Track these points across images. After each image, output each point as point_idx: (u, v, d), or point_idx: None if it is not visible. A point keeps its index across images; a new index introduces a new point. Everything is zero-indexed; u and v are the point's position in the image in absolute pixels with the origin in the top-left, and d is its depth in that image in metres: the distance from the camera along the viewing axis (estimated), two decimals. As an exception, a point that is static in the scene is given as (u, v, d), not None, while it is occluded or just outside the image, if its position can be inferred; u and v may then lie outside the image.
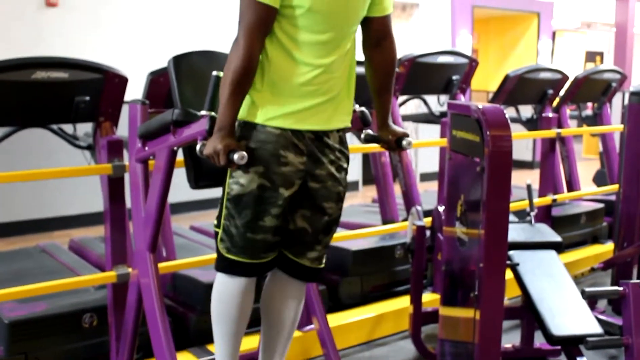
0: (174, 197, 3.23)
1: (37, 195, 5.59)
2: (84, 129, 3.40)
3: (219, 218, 2.21)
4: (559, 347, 3.16)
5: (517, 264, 3.06)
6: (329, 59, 2.15)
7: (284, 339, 2.39)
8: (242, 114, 2.13)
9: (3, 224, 5.51)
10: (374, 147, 3.36)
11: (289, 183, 2.13)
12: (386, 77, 2.35)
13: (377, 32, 2.28)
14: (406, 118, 5.11)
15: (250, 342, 3.06)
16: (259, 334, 2.81)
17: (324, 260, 2.34)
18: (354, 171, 7.42)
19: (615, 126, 5.27)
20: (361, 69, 2.38)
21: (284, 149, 2.11)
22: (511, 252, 3.11)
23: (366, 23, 2.27)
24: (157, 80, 3.25)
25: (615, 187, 4.53)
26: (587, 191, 5.29)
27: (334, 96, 2.19)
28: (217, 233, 2.23)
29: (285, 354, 2.42)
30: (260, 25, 2.04)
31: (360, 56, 2.35)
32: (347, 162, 2.30)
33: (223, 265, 2.22)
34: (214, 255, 3.18)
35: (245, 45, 2.02)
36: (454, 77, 4.51)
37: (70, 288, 2.85)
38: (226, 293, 2.23)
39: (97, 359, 2.93)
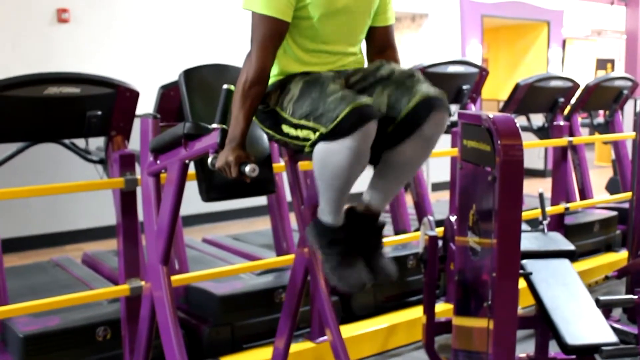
0: (186, 209, 3.24)
1: (50, 209, 5.62)
2: (96, 143, 3.42)
3: (305, 133, 2.04)
4: (573, 357, 3.13)
5: (531, 273, 3.04)
6: (337, 67, 2.20)
7: (411, 174, 2.28)
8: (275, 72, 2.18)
9: (17, 238, 5.53)
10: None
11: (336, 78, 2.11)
12: None
13: (380, 42, 2.34)
14: (417, 128, 5.10)
15: (264, 354, 3.06)
16: (271, 345, 2.82)
17: (431, 89, 2.13)
18: (365, 183, 7.40)
19: (627, 134, 5.25)
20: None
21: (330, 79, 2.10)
22: (524, 261, 3.10)
23: (370, 33, 2.32)
24: (168, 94, 3.27)
25: (628, 194, 4.51)
26: (600, 199, 5.26)
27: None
28: (296, 138, 2.10)
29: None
30: (272, 39, 2.07)
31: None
32: None
33: (333, 133, 1.95)
34: (227, 268, 3.22)
35: (258, 58, 2.05)
36: (465, 87, 4.51)
37: (83, 302, 2.86)
38: (341, 155, 1.97)
39: (111, 372, 2.95)
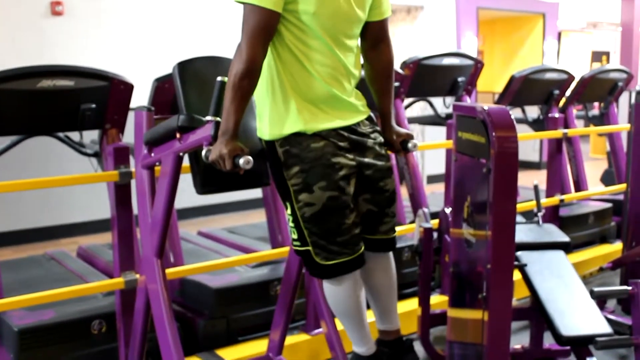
0: (181, 202, 3.24)
1: (44, 203, 5.61)
2: (91, 136, 3.41)
3: (301, 239, 2.26)
4: (568, 348, 3.14)
5: (525, 265, 3.05)
6: (336, 60, 2.20)
7: (395, 298, 2.53)
8: (275, 131, 2.21)
9: (11, 232, 5.53)
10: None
11: (348, 182, 2.22)
12: (384, 79, 2.41)
13: (374, 35, 2.34)
14: (412, 120, 5.11)
15: (260, 347, 3.07)
16: (267, 338, 2.82)
17: (395, 228, 2.44)
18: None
19: (622, 125, 5.25)
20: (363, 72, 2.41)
21: (334, 156, 2.19)
22: (519, 253, 3.10)
23: (364, 26, 2.31)
24: (162, 87, 3.26)
25: (623, 186, 4.52)
26: (595, 191, 5.27)
27: (348, 91, 2.28)
28: (306, 252, 2.28)
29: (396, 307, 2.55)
30: (263, 30, 2.06)
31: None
32: (381, 135, 2.42)
33: (328, 272, 2.28)
34: (222, 260, 3.22)
35: (248, 49, 2.04)
36: (460, 79, 4.51)
37: (78, 295, 2.86)
38: (341, 295, 2.32)
39: (106, 365, 2.95)
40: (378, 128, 2.42)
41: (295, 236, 2.27)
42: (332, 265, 2.24)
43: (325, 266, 2.25)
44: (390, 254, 2.49)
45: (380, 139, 2.40)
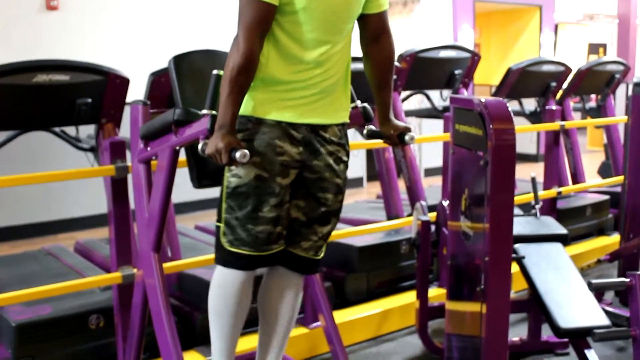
0: (178, 197, 3.23)
1: (41, 198, 5.60)
2: (87, 131, 3.40)
3: (219, 213, 2.21)
4: (566, 340, 3.15)
5: (523, 257, 3.05)
6: (322, 55, 2.16)
7: (281, 335, 2.40)
8: (244, 109, 2.15)
9: (7, 227, 5.52)
10: (378, 143, 3.36)
11: (285, 172, 2.14)
12: (385, 72, 2.37)
13: (374, 29, 2.31)
14: (409, 113, 5.10)
15: (248, 342, 3.07)
16: (257, 333, 2.82)
17: (320, 253, 2.34)
18: (358, 167, 7.41)
19: (619, 117, 5.25)
20: (361, 65, 2.39)
21: (280, 139, 2.13)
22: (517, 245, 3.10)
23: (363, 20, 2.29)
24: (158, 81, 3.25)
25: (620, 178, 4.52)
26: (592, 183, 5.27)
27: (328, 92, 2.20)
28: (218, 228, 2.22)
29: (283, 352, 2.43)
30: (260, 23, 2.04)
31: (359, 52, 2.37)
32: (347, 155, 2.31)
33: (225, 259, 2.21)
34: (218, 254, 3.21)
35: (245, 43, 2.03)
36: (457, 72, 4.50)
37: (76, 290, 2.85)
38: (226, 287, 2.22)
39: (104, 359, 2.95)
40: (347, 147, 2.30)
41: (217, 209, 2.21)
42: (233, 252, 2.16)
43: (226, 251, 2.18)
44: (301, 280, 2.38)
45: (344, 157, 2.28)
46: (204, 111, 2.09)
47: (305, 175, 2.21)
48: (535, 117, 5.14)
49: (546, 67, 4.88)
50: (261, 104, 2.13)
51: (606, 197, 5.12)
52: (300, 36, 2.12)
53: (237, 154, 1.98)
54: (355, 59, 2.36)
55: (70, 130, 3.34)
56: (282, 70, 2.13)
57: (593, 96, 5.81)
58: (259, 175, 2.12)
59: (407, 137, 2.44)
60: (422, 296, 3.18)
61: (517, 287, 3.87)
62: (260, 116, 2.13)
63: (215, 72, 2.09)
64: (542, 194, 4.29)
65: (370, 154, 6.83)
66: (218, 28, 6.26)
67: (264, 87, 2.14)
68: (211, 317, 2.29)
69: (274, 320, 2.38)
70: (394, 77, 4.08)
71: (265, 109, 2.13)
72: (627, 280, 2.79)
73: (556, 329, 2.81)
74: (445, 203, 3.13)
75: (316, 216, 2.26)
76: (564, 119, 4.88)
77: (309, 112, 2.17)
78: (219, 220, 2.22)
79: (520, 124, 3.36)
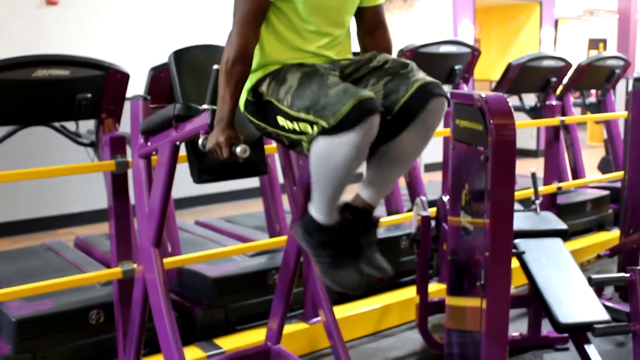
0: (178, 192, 3.23)
1: (41, 193, 5.60)
2: (87, 126, 3.40)
3: (304, 127, 1.96)
4: (566, 335, 3.15)
5: (523, 253, 3.05)
6: (322, 47, 2.17)
7: (406, 168, 2.23)
8: (254, 80, 2.15)
9: (8, 223, 5.52)
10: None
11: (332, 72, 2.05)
12: None
13: (370, 22, 2.31)
14: (409, 109, 5.09)
15: (258, 336, 3.07)
16: (265, 327, 2.82)
17: (426, 78, 2.08)
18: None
19: (619, 113, 5.25)
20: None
21: (324, 69, 2.07)
22: (517, 241, 3.10)
23: (359, 13, 2.29)
24: (158, 76, 3.25)
25: (620, 174, 4.52)
26: (592, 179, 5.27)
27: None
28: (293, 130, 2.01)
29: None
30: (255, 15, 2.05)
31: (356, 46, 2.36)
32: None
33: (334, 126, 1.89)
34: (220, 250, 3.22)
35: (240, 36, 2.03)
36: (457, 67, 4.49)
37: (76, 285, 2.85)
38: (341, 150, 1.91)
39: (104, 355, 2.95)
40: None
41: (299, 129, 1.98)
42: (342, 118, 1.87)
43: (335, 124, 1.87)
44: (437, 101, 2.05)
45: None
46: (205, 106, 2.09)
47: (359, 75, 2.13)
48: (535, 113, 5.14)
49: (546, 63, 4.87)
50: (272, 63, 2.12)
51: (606, 192, 5.12)
52: (300, 28, 2.13)
53: (238, 149, 1.98)
54: (355, 55, 2.36)
55: (70, 125, 3.34)
56: (282, 53, 2.14)
57: (593, 91, 5.81)
58: (303, 71, 2.02)
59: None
60: (422, 291, 3.18)
61: (517, 283, 3.87)
62: (278, 67, 2.10)
63: (215, 67, 2.09)
64: (542, 189, 4.29)
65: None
66: (218, 23, 6.25)
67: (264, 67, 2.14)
68: (318, 181, 2.04)
69: (404, 161, 2.17)
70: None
71: (280, 59, 2.12)
72: (627, 275, 2.79)
73: (556, 324, 2.81)
74: (446, 198, 3.13)
75: (394, 67, 2.11)
76: (564, 114, 4.87)
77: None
78: (282, 129, 2.03)
79: (521, 120, 3.36)
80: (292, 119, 2.00)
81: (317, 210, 2.12)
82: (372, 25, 2.31)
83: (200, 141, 2.08)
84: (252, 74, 2.16)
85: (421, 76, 2.06)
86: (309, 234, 2.13)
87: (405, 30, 8.49)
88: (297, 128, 1.99)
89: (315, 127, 1.93)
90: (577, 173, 5.32)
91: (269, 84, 2.11)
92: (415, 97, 2.02)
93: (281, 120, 2.05)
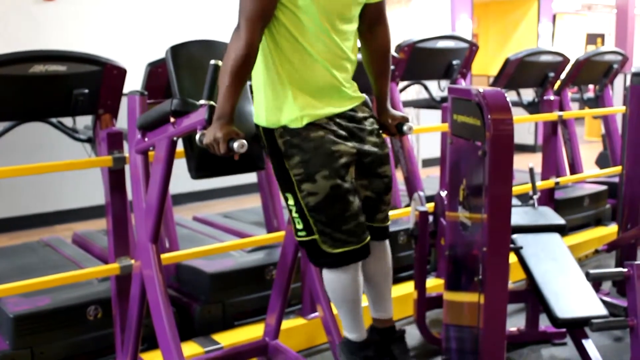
0: (176, 188, 3.23)
1: (39, 189, 5.59)
2: (84, 121, 3.39)
3: (307, 229, 2.23)
4: (564, 330, 3.16)
5: (521, 248, 3.05)
6: (334, 45, 2.17)
7: (388, 289, 2.49)
8: (272, 118, 2.19)
9: (5, 219, 5.52)
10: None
11: (349, 169, 2.21)
12: (381, 62, 2.39)
13: (370, 18, 2.31)
14: (407, 104, 5.10)
15: (256, 331, 3.07)
16: (263, 322, 2.82)
17: (388, 219, 2.43)
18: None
19: (617, 108, 5.25)
20: (359, 55, 2.39)
21: (334, 144, 2.17)
22: (515, 236, 3.10)
23: (361, 9, 2.28)
24: (155, 71, 3.24)
25: (618, 169, 4.52)
26: (590, 174, 5.27)
27: (346, 77, 2.26)
28: (312, 241, 2.24)
29: (391, 300, 2.53)
30: (262, 14, 2.04)
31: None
32: (377, 122, 2.40)
33: (335, 260, 2.24)
34: (217, 245, 3.22)
35: (246, 34, 2.02)
36: (455, 62, 4.49)
37: (74, 281, 2.85)
38: (344, 282, 2.27)
39: (102, 351, 2.94)
40: (373, 114, 2.41)
41: (300, 226, 2.24)
42: (339, 253, 2.21)
43: (332, 255, 2.21)
44: (387, 242, 2.47)
45: (376, 125, 2.38)
46: (202, 101, 2.08)
47: (363, 160, 2.28)
48: (533, 108, 5.14)
49: (544, 58, 4.86)
50: (299, 107, 2.17)
51: (604, 187, 5.12)
52: (310, 26, 2.12)
53: (235, 144, 1.97)
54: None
55: (67, 121, 3.33)
56: (307, 66, 2.17)
57: (591, 86, 5.81)
58: (333, 185, 2.16)
59: (405, 127, 2.44)
60: (420, 287, 3.18)
61: (515, 278, 3.87)
62: (296, 126, 2.17)
63: (213, 62, 2.08)
64: (540, 184, 4.29)
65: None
66: (215, 18, 6.24)
67: (294, 91, 2.17)
68: (337, 306, 2.36)
69: (377, 280, 2.46)
70: (392, 67, 4.09)
71: (304, 109, 2.17)
72: (625, 270, 2.79)
73: (554, 319, 2.82)
74: (443, 193, 3.13)
75: (382, 189, 2.34)
76: (561, 109, 4.88)
77: (337, 100, 2.24)
78: (308, 235, 2.24)
79: (518, 115, 3.36)
80: (300, 211, 2.21)
81: (347, 331, 2.39)
82: (372, 21, 2.32)
83: (197, 136, 2.07)
84: (270, 118, 2.22)
85: (384, 216, 2.39)
86: (350, 352, 2.38)
87: (403, 25, 8.48)
88: (297, 217, 2.23)
89: (311, 235, 2.22)
90: (574, 168, 5.32)
91: (288, 153, 2.19)
92: (374, 233, 2.35)
93: (289, 198, 2.23)
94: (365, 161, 2.28)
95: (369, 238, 2.26)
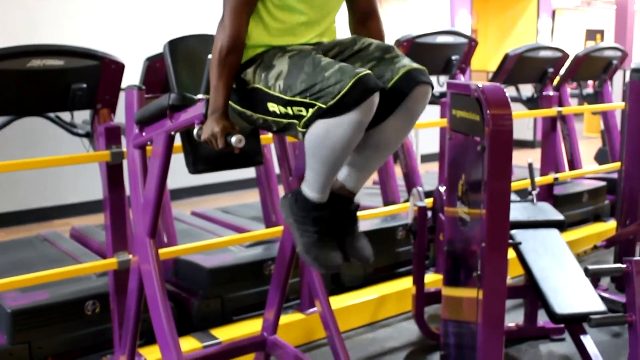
0: (174, 183, 3.22)
1: (37, 184, 5.59)
2: (82, 116, 3.38)
3: (304, 109, 1.93)
4: (562, 326, 3.16)
5: (520, 243, 3.05)
6: (308, 39, 2.14)
7: (382, 160, 2.20)
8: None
9: (4, 213, 5.51)
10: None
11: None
12: None
13: (362, 12, 2.27)
14: (406, 99, 5.08)
15: (254, 326, 3.07)
16: (261, 317, 2.82)
17: (413, 64, 2.06)
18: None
19: (616, 104, 5.25)
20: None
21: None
22: (513, 231, 3.10)
23: (351, 3, 2.25)
24: (153, 66, 3.24)
25: (617, 165, 4.52)
26: (589, 169, 5.27)
27: None
28: (316, 112, 1.91)
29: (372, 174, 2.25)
30: (246, 4, 2.03)
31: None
32: None
33: (341, 104, 1.86)
34: (216, 240, 3.22)
35: (231, 25, 2.01)
36: (454, 57, 4.48)
37: (72, 276, 2.85)
38: (343, 130, 1.90)
39: (100, 345, 2.94)
40: None
41: (292, 112, 1.97)
42: (342, 96, 1.85)
43: (337, 101, 1.85)
44: (423, 88, 2.03)
45: None
46: (200, 96, 2.07)
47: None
48: (532, 103, 5.13)
49: (543, 53, 4.86)
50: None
51: (603, 183, 5.12)
52: (288, 21, 2.10)
53: (233, 139, 1.96)
54: None
55: (65, 115, 3.32)
56: (266, 38, 2.11)
57: (590, 82, 5.80)
58: (290, 55, 2.00)
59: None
60: (419, 282, 3.18)
61: (514, 273, 3.87)
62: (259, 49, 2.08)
63: (210, 56, 2.07)
64: (539, 180, 4.29)
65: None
66: (213, 12, 6.22)
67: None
68: (314, 161, 2.02)
69: (380, 152, 2.14)
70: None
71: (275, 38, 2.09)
72: (623, 266, 2.79)
73: (552, 315, 2.82)
74: (442, 189, 3.13)
75: (377, 50, 2.09)
76: (561, 105, 4.87)
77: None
78: (307, 111, 1.92)
79: (517, 110, 3.35)
80: (285, 103, 1.98)
81: (312, 189, 2.09)
82: (363, 15, 2.27)
83: (195, 131, 2.06)
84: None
85: (407, 62, 2.03)
86: (300, 209, 2.11)
87: (402, 21, 8.47)
88: (290, 112, 1.98)
89: (310, 110, 1.91)
90: (573, 164, 5.32)
91: (255, 71, 2.08)
92: (400, 84, 2.00)
93: (272, 106, 2.02)
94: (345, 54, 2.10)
95: (368, 71, 1.90)
